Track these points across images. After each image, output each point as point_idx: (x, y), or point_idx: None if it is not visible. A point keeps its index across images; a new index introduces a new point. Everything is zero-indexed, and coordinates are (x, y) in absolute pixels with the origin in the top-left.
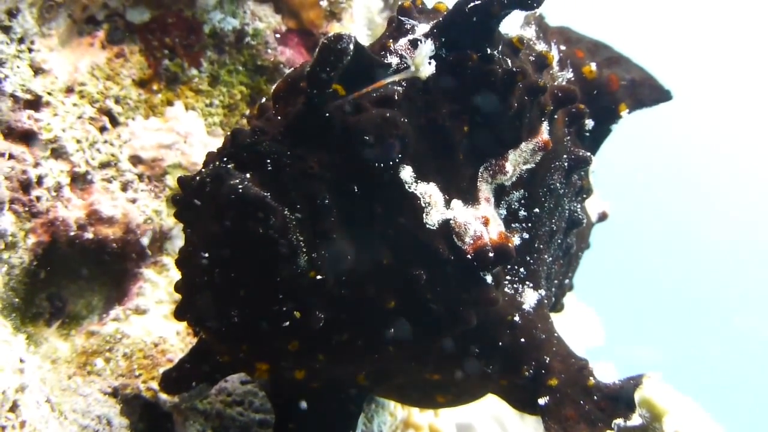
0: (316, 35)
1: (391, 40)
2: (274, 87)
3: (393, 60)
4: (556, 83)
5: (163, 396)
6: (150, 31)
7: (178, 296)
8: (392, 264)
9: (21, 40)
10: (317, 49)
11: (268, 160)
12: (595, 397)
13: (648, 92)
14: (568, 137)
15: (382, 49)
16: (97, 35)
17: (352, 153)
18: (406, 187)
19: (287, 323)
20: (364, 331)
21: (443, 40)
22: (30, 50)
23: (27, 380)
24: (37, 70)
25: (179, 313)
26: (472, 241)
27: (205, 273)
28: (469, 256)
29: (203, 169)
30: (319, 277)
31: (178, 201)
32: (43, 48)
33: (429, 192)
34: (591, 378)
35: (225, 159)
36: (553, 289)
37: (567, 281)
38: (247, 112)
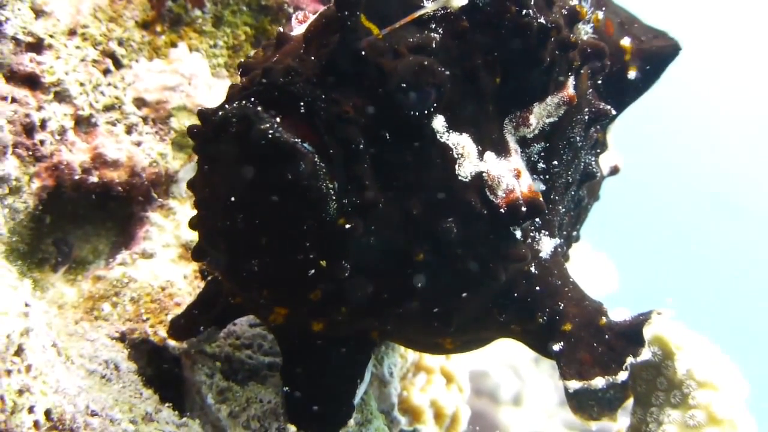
0: None
1: None
2: (306, 26)
3: (429, 6)
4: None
5: (172, 341)
6: None
7: (189, 237)
8: (422, 215)
9: None
10: None
11: (302, 103)
12: (607, 336)
13: (641, 32)
14: (591, 90)
15: None
16: None
17: (387, 99)
18: (438, 137)
19: (312, 271)
20: (390, 283)
21: None
22: None
23: (32, 324)
24: (39, 13)
25: (198, 255)
26: (504, 195)
27: (227, 217)
28: (502, 210)
29: (227, 105)
30: (347, 225)
31: (197, 134)
32: None
33: (462, 143)
34: (603, 317)
35: (252, 98)
36: (562, 240)
37: (575, 233)
38: (252, 52)
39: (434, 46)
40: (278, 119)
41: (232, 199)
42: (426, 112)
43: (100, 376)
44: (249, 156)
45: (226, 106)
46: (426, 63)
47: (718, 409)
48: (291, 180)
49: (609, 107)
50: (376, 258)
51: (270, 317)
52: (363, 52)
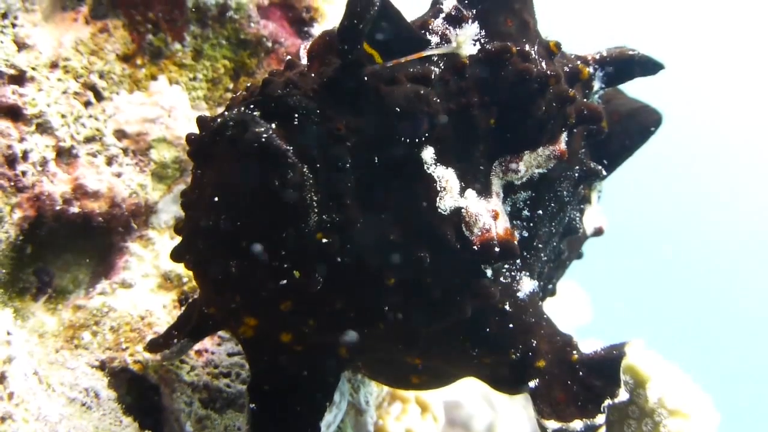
0: (298, 8)
1: (432, 19)
2: (309, 45)
3: (433, 39)
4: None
5: (151, 372)
6: (133, 6)
7: (168, 267)
8: (399, 241)
9: (4, 16)
10: (346, 3)
11: (296, 115)
12: (581, 373)
13: (624, 103)
14: (584, 150)
15: (422, 27)
16: (81, 10)
17: (381, 123)
18: (425, 168)
19: (285, 281)
20: (358, 303)
21: (483, 26)
22: (13, 25)
23: (14, 352)
24: (21, 46)
25: (177, 255)
26: (480, 233)
27: (210, 217)
28: (475, 247)
29: (226, 112)
30: (324, 240)
31: (194, 140)
32: (26, 23)
33: (446, 177)
34: (575, 353)
35: (251, 106)
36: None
37: (551, 286)
38: (231, 86)
39: (432, 78)
40: (273, 126)
41: (217, 199)
42: (417, 140)
43: (80, 403)
44: (240, 158)
45: (225, 113)
46: (422, 92)
47: None
48: (278, 187)
49: (600, 167)
50: (348, 276)
51: (240, 329)
52: (365, 78)
